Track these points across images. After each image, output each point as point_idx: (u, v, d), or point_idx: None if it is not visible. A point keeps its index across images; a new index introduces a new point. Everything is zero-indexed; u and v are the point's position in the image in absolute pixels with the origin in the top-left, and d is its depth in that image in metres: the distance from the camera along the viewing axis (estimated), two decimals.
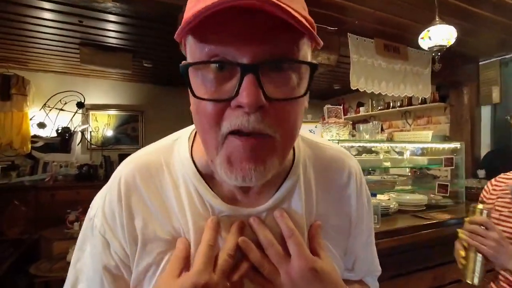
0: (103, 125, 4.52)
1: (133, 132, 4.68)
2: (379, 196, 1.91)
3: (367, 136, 1.91)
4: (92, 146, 4.41)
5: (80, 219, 3.29)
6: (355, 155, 1.81)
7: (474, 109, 3.39)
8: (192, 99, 0.40)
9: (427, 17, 1.85)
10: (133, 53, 3.39)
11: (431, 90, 3.28)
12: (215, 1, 0.32)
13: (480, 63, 3.33)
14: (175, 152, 0.50)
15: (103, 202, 0.49)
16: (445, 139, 3.47)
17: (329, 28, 2.46)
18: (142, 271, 0.45)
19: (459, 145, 2.01)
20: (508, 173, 1.06)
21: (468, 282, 0.83)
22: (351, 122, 1.74)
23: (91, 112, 4.44)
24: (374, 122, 2.03)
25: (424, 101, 3.76)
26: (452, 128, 3.55)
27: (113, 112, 4.58)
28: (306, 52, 0.39)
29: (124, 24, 2.75)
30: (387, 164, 1.84)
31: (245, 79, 0.34)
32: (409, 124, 4.23)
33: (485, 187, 1.11)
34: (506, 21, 2.40)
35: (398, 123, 4.40)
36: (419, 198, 1.83)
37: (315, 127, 1.79)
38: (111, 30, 2.87)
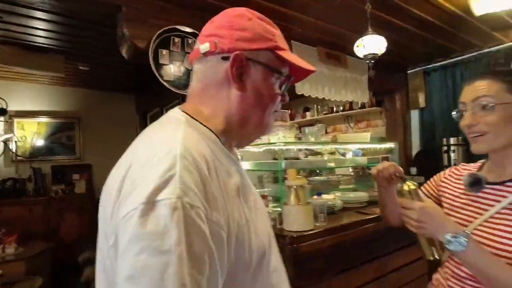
0: (31, 134, 4.04)
1: (68, 141, 4.26)
2: (325, 196, 1.99)
3: (312, 139, 1.99)
4: (19, 157, 3.91)
5: (3, 241, 2.88)
6: (303, 158, 1.87)
7: (405, 113, 3.76)
8: (266, 86, 0.63)
9: (361, 28, 2.01)
10: (65, 55, 3.09)
11: (368, 96, 3.55)
12: (306, 69, 0.66)
13: (408, 72, 3.70)
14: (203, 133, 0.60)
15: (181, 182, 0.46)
16: (382, 140, 3.78)
17: None
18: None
19: (394, 145, 2.19)
20: (467, 164, 1.04)
21: (429, 259, 0.84)
22: (296, 125, 1.79)
23: (16, 120, 3.95)
24: (318, 125, 2.12)
25: (363, 106, 4.05)
26: (388, 131, 3.88)
27: (44, 119, 4.13)
28: None
29: (54, 23, 2.49)
30: (332, 164, 1.93)
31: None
32: (351, 127, 4.52)
33: (441, 172, 1.08)
34: (428, 36, 2.71)
35: (341, 126, 4.68)
36: (361, 195, 1.95)
37: None
38: (39, 29, 2.59)
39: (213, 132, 0.59)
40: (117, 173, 0.52)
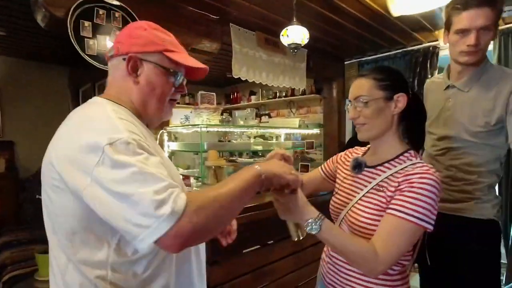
0: None
1: None
2: None
3: (241, 122, 2.05)
4: None
5: None
6: (229, 141, 1.92)
7: (341, 101, 4.00)
8: (158, 80, 0.83)
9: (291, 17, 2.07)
10: None
11: (308, 83, 3.71)
12: (200, 69, 0.89)
13: (345, 62, 3.92)
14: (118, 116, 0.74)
15: (122, 131, 0.68)
16: (320, 126, 4.01)
17: (211, 16, 2.49)
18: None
19: (319, 131, 2.35)
20: (358, 148, 1.17)
21: (294, 240, 0.96)
22: (221, 108, 1.83)
23: None
24: (249, 109, 2.18)
25: (304, 93, 4.22)
26: (325, 117, 4.11)
27: None
28: None
29: None
30: (258, 147, 2.02)
31: (183, 83, 0.90)
32: (293, 113, 4.70)
33: (339, 154, 1.22)
34: (359, 31, 2.89)
35: (284, 111, 4.84)
36: None
37: (190, 112, 1.81)
38: None
39: (127, 108, 0.79)
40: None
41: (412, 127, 1.01)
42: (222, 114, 1.93)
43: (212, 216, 0.65)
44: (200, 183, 1.72)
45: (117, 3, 1.97)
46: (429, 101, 1.45)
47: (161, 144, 2.00)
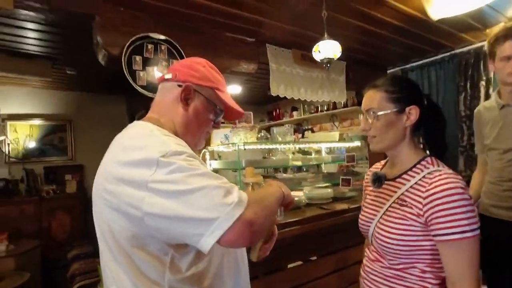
0: (24, 136, 4.18)
1: (60, 143, 4.39)
2: (294, 192, 2.10)
3: (280, 138, 2.09)
4: (12, 159, 4.05)
5: None
6: (264, 157, 1.98)
7: None
8: (204, 113, 0.91)
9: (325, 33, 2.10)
10: (53, 60, 3.22)
11: (350, 95, 3.65)
12: (238, 112, 0.98)
13: (388, 71, 3.78)
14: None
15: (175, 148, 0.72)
16: (364, 138, 3.87)
17: (247, 39, 2.63)
18: None
19: (360, 144, 2.29)
20: (378, 163, 1.16)
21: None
22: (258, 126, 1.89)
23: (8, 122, 4.07)
24: (287, 125, 2.22)
25: (346, 105, 4.14)
26: None
27: (36, 122, 4.25)
28: None
29: (41, 32, 2.61)
30: (297, 163, 2.03)
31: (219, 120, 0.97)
32: (336, 126, 4.62)
33: (365, 175, 1.22)
34: (399, 38, 2.80)
35: (327, 125, 4.78)
36: (325, 192, 2.05)
37: (230, 131, 1.91)
38: (27, 37, 2.71)
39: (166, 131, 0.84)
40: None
41: (431, 135, 0.99)
42: (260, 132, 2.00)
43: (266, 212, 0.71)
44: None
45: (163, 37, 2.20)
46: (485, 123, 1.60)
47: (204, 163, 2.13)
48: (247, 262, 0.93)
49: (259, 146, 1.90)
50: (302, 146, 2.15)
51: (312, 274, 1.77)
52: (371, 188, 1.07)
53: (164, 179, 0.64)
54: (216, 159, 2.33)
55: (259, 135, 2.16)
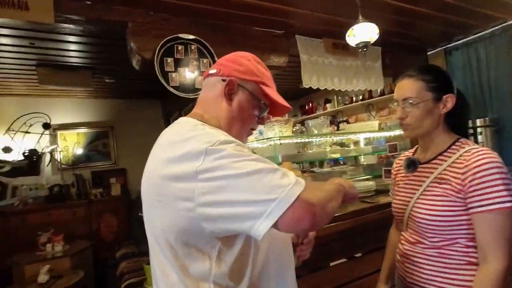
0: (72, 144, 4.48)
1: (104, 149, 4.65)
2: None
3: (315, 131, 2.01)
4: (63, 166, 4.36)
5: (52, 240, 3.26)
6: (298, 152, 1.91)
7: None
8: (248, 109, 0.86)
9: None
10: (92, 70, 3.40)
11: (386, 82, 3.45)
12: (284, 107, 0.92)
13: (428, 53, 3.51)
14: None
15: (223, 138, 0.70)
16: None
17: (276, 31, 2.57)
18: None
19: (400, 133, 2.13)
20: (406, 153, 1.22)
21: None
22: (292, 120, 1.83)
23: (58, 132, 4.39)
24: (322, 117, 2.13)
25: (382, 93, 3.92)
26: None
27: (82, 130, 4.54)
28: None
29: (80, 43, 2.76)
30: (335, 155, 1.94)
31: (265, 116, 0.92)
32: (372, 116, 4.40)
33: (393, 165, 1.27)
34: (442, 15, 2.58)
35: (363, 116, 4.57)
36: (367, 184, 1.93)
37: (264, 126, 1.87)
38: (68, 50, 2.88)
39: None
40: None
41: (459, 121, 1.04)
42: (294, 126, 1.93)
43: (326, 196, 0.67)
44: None
45: (192, 37, 2.21)
46: None
47: None
48: (293, 266, 0.89)
49: (296, 140, 1.84)
50: (340, 138, 2.05)
51: (357, 272, 1.68)
52: (402, 174, 1.13)
53: (213, 166, 0.63)
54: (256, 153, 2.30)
55: (294, 129, 2.10)
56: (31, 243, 3.21)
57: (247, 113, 0.86)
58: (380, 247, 1.78)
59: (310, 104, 5.27)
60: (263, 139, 1.80)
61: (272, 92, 0.88)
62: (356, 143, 2.37)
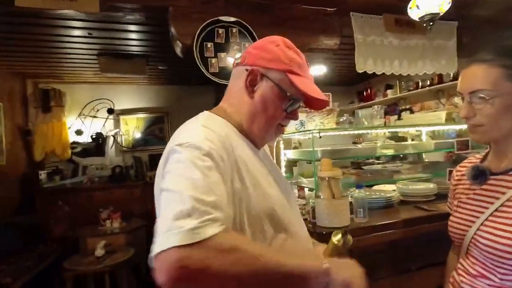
0: (132, 128, 4.80)
1: (160, 133, 4.89)
2: (386, 186, 1.77)
3: (366, 123, 1.76)
4: (124, 148, 4.71)
5: (111, 217, 3.56)
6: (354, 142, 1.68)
7: None
8: (272, 101, 0.76)
9: None
10: (146, 58, 3.52)
11: (461, 65, 2.91)
12: (321, 98, 0.77)
13: None
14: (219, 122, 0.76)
15: (204, 140, 0.65)
16: None
17: (327, 9, 2.31)
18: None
19: None
20: (471, 158, 0.98)
21: None
22: (337, 109, 1.60)
23: (121, 117, 4.74)
24: (376, 106, 1.85)
25: (455, 78, 3.35)
26: None
27: (140, 115, 4.83)
28: None
29: (135, 32, 2.86)
30: (388, 151, 1.67)
31: (297, 110, 0.81)
32: (442, 104, 3.82)
33: (452, 173, 1.03)
34: None
35: (430, 104, 4.00)
36: (425, 187, 1.64)
37: (305, 116, 1.70)
38: (124, 39, 3.01)
39: (230, 122, 0.77)
40: None
41: None
42: (341, 116, 1.71)
43: (229, 276, 0.51)
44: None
45: (233, 19, 2.09)
46: None
47: (278, 153, 1.97)
48: None
49: (336, 133, 1.63)
50: (394, 130, 1.76)
51: None
52: (466, 186, 0.91)
53: (169, 169, 0.63)
54: (295, 148, 2.14)
55: (340, 120, 1.88)
56: (94, 218, 3.55)
57: (272, 107, 0.76)
58: (437, 263, 1.50)
59: (369, 90, 4.81)
60: (304, 130, 1.63)
61: (302, 81, 0.75)
62: (418, 136, 2.03)
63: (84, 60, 3.56)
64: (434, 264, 1.51)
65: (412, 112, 3.91)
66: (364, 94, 4.89)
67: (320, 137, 1.44)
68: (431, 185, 1.66)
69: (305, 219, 1.44)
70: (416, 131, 1.73)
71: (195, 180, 0.57)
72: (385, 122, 1.85)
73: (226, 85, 2.29)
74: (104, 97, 4.61)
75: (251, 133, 0.78)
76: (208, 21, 2.03)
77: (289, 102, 0.76)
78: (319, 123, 1.50)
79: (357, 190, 1.38)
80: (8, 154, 3.75)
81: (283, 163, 1.88)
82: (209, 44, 2.06)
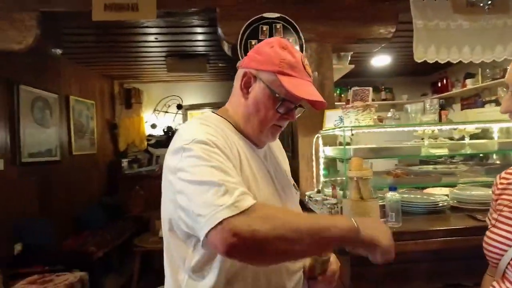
0: None
1: None
2: (434, 190, 1.60)
3: (416, 118, 1.59)
4: None
5: None
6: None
7: None
8: (263, 101, 0.77)
9: None
10: (207, 57, 3.76)
11: None
12: (313, 100, 0.77)
13: None
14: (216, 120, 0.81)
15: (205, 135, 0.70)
16: None
17: None
18: None
19: None
20: None
21: None
22: (376, 105, 1.47)
23: (188, 112, 5.16)
24: (429, 100, 1.65)
25: None
26: None
27: (205, 110, 5.18)
28: None
29: (196, 34, 3.10)
30: (436, 151, 1.47)
31: (295, 110, 0.80)
32: None
33: (495, 180, 0.89)
34: None
35: None
36: (483, 193, 1.41)
37: (343, 111, 1.62)
38: (187, 40, 3.28)
39: (230, 122, 0.81)
40: None
41: None
42: (390, 111, 1.58)
43: (272, 233, 0.57)
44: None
45: (277, 15, 2.10)
46: None
47: (317, 149, 1.92)
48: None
49: (369, 130, 1.52)
50: (443, 127, 1.55)
51: None
52: (510, 198, 0.78)
53: (183, 166, 0.65)
54: (340, 144, 2.04)
55: (388, 115, 1.74)
56: None
57: (263, 108, 0.77)
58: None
59: (445, 80, 4.25)
60: (341, 127, 1.56)
61: (290, 82, 0.75)
62: (474, 136, 1.71)
63: (156, 61, 3.99)
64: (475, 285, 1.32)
65: (498, 104, 3.34)
66: (439, 84, 4.34)
67: (353, 134, 1.37)
68: (490, 192, 1.43)
69: None
70: (476, 128, 1.47)
71: (216, 167, 0.62)
72: (440, 118, 1.64)
73: None
74: (174, 94, 5.08)
75: (247, 133, 0.81)
76: (252, 19, 2.08)
77: (279, 103, 0.77)
78: (354, 120, 1.42)
79: (390, 193, 1.28)
80: (99, 144, 4.46)
81: (321, 160, 1.84)
82: (253, 42, 2.11)
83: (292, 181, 0.92)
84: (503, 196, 0.83)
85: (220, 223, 0.55)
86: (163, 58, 3.82)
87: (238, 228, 0.55)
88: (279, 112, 0.77)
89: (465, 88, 3.84)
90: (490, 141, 1.57)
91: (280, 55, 0.76)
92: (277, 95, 0.76)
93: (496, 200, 0.86)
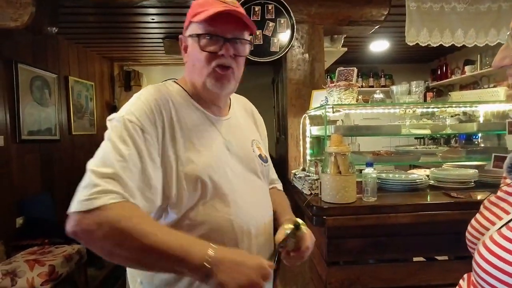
0: None
1: None
2: (418, 170, 1.64)
3: (401, 100, 1.61)
4: None
5: None
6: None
7: None
8: (193, 51, 0.78)
9: None
10: None
11: None
12: (220, 10, 0.72)
13: None
14: (170, 90, 0.82)
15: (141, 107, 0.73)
16: None
17: None
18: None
19: None
20: None
21: None
22: (359, 85, 1.49)
23: None
24: (414, 82, 1.66)
25: None
26: None
27: None
28: (248, 35, 0.83)
29: None
30: (418, 131, 1.50)
31: (227, 44, 0.76)
32: None
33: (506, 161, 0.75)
34: None
35: None
36: (460, 173, 1.44)
37: (326, 91, 1.65)
38: (183, 22, 3.26)
39: (185, 90, 0.83)
40: None
41: None
42: (376, 93, 1.60)
43: (109, 244, 0.59)
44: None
45: None
46: None
47: (304, 129, 1.96)
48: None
49: (349, 111, 1.54)
50: (428, 109, 1.57)
51: (408, 279, 1.34)
52: (509, 181, 0.63)
53: (105, 134, 0.70)
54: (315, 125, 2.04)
55: (374, 96, 1.77)
56: None
57: (194, 55, 0.79)
58: (459, 257, 1.35)
59: (444, 68, 4.21)
60: (322, 106, 1.59)
61: (200, 16, 0.73)
62: (464, 116, 1.74)
63: (155, 44, 3.99)
64: (456, 258, 1.37)
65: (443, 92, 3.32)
66: (439, 72, 4.31)
67: (334, 112, 1.40)
68: (471, 171, 1.46)
69: (315, 194, 1.46)
70: (454, 110, 1.49)
71: (105, 153, 0.66)
72: (425, 99, 1.66)
73: (280, 65, 2.34)
74: (174, 77, 5.07)
75: (199, 93, 0.81)
76: None
77: (199, 40, 0.75)
78: (337, 99, 1.45)
79: (367, 169, 1.32)
80: (99, 125, 4.52)
81: (308, 139, 1.88)
82: None
83: (259, 152, 0.90)
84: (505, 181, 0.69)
85: (70, 213, 0.59)
86: (161, 40, 3.82)
87: (78, 226, 0.58)
88: (206, 50, 0.75)
89: (464, 75, 3.81)
90: (470, 124, 1.59)
91: (193, 6, 0.79)
92: (195, 34, 0.76)
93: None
